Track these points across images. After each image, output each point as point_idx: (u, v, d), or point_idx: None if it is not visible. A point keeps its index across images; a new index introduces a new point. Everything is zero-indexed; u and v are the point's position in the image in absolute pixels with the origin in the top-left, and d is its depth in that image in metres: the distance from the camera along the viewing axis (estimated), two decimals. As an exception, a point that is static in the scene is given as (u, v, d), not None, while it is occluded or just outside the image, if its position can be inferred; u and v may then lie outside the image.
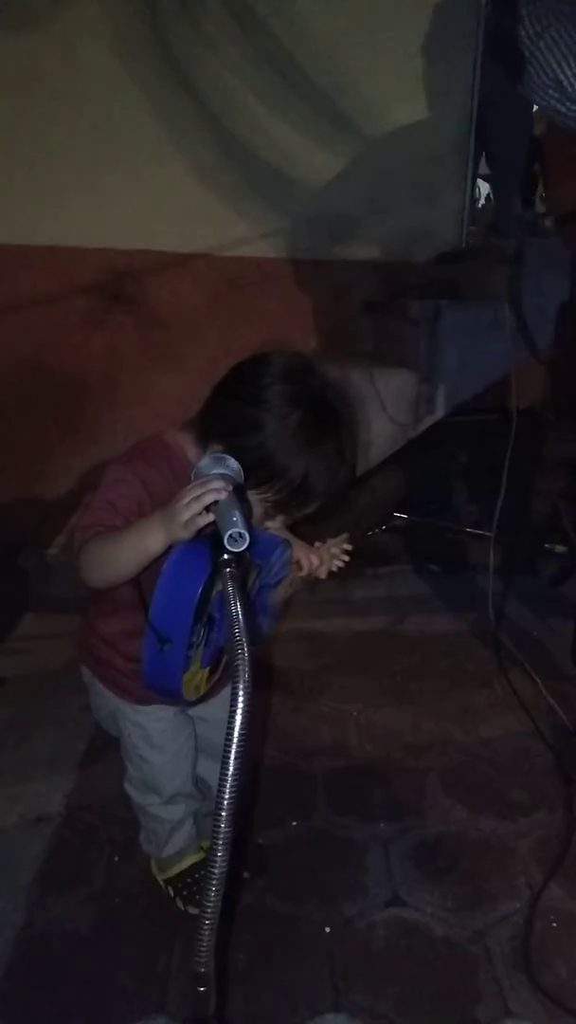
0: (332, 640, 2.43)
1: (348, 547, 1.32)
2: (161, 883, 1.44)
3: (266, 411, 1.02)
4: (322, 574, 1.30)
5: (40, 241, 2.73)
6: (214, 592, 1.00)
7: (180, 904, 1.40)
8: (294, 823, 1.63)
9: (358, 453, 1.15)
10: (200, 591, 0.96)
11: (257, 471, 1.03)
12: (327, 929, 1.38)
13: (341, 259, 2.97)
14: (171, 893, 1.42)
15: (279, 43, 2.74)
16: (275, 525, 1.15)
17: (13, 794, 1.69)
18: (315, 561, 1.26)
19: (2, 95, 2.62)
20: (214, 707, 1.31)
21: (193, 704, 1.27)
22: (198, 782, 1.43)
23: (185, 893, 1.40)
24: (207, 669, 1.11)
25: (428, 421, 2.50)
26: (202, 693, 1.13)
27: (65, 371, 2.83)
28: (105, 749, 1.75)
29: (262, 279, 2.86)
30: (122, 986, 1.25)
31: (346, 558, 1.31)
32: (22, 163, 2.68)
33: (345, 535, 1.33)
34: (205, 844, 1.48)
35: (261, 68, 2.75)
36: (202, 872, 1.37)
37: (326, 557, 1.29)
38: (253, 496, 1.06)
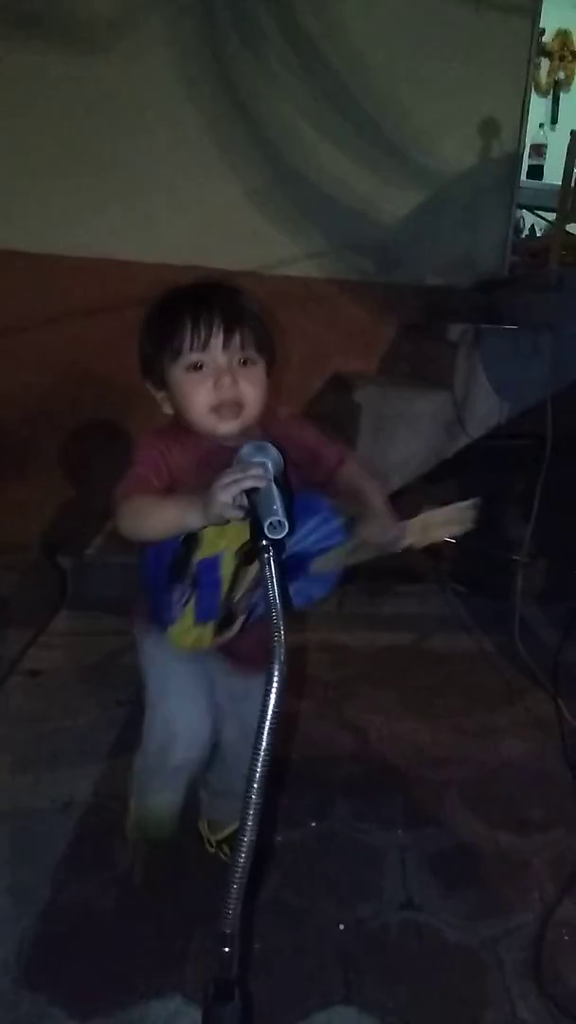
0: (358, 653, 2.47)
1: (469, 514, 1.20)
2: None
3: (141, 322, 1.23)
4: (418, 543, 1.21)
5: (95, 254, 2.83)
6: (195, 558, 1.09)
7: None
8: (313, 823, 1.67)
9: (246, 304, 1.20)
10: (171, 557, 1.08)
11: (147, 354, 1.21)
12: (341, 926, 1.41)
13: (384, 282, 3.03)
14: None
15: (336, 75, 2.84)
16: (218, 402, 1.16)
17: (44, 779, 1.76)
18: (375, 537, 1.17)
19: (69, 114, 2.75)
20: (240, 689, 1.32)
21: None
22: (218, 755, 1.44)
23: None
24: (209, 625, 1.16)
25: (462, 443, 2.54)
26: (206, 646, 1.19)
27: (112, 380, 2.91)
28: (133, 741, 1.80)
29: (306, 298, 2.94)
30: (141, 964, 1.29)
31: (468, 525, 1.21)
32: (83, 179, 2.80)
33: (470, 501, 1.19)
34: (216, 837, 1.53)
35: (317, 98, 2.85)
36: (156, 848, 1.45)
37: (418, 526, 1.20)
38: (174, 371, 1.17)
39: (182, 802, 1.45)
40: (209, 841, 1.54)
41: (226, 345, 1.15)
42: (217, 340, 1.15)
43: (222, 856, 1.50)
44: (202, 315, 1.14)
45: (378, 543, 1.19)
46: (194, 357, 1.15)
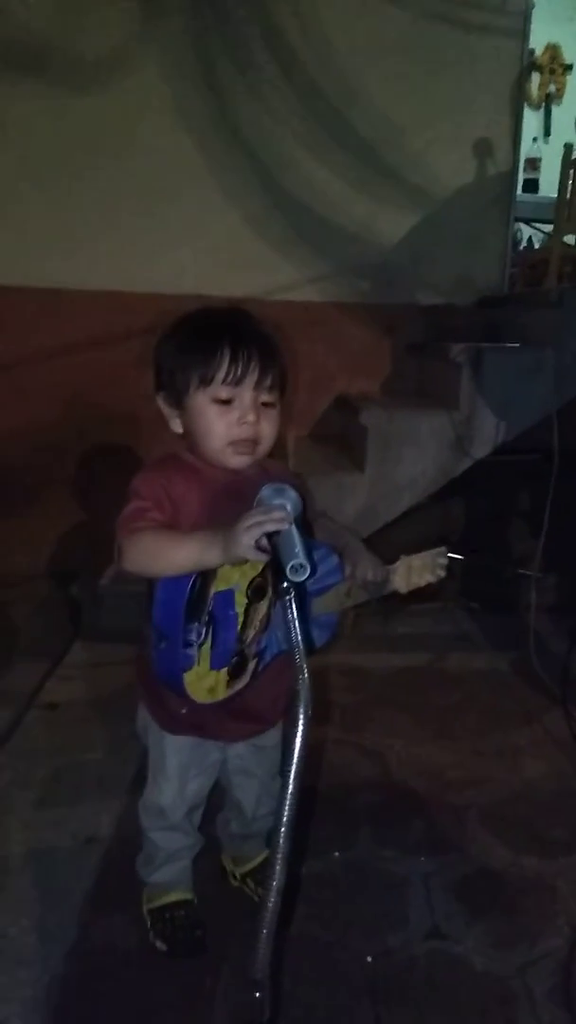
0: (373, 675, 2.47)
1: (443, 561, 1.25)
2: (145, 913, 1.44)
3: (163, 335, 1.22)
4: (401, 588, 1.25)
5: (100, 286, 2.87)
6: (211, 592, 1.06)
7: (152, 937, 1.40)
8: (336, 854, 1.67)
9: (263, 333, 1.20)
10: (188, 590, 1.03)
11: (168, 376, 1.18)
12: (369, 958, 1.40)
13: (384, 303, 3.06)
14: (148, 923, 1.42)
15: (330, 101, 2.89)
16: (242, 432, 1.16)
17: (65, 815, 1.76)
18: (368, 574, 1.22)
19: (70, 151, 2.80)
20: (249, 754, 1.37)
21: (224, 736, 1.31)
22: (234, 806, 1.47)
23: (160, 926, 1.40)
24: (223, 672, 1.13)
25: (469, 461, 2.55)
26: (220, 697, 1.13)
27: (119, 408, 2.95)
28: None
29: (308, 322, 2.96)
30: (168, 1003, 1.29)
31: (441, 573, 1.25)
32: (86, 213, 2.84)
33: (441, 549, 1.25)
34: (241, 870, 1.53)
35: (310, 124, 2.89)
36: (181, 912, 1.40)
37: (402, 570, 1.24)
38: (199, 397, 1.15)
39: (190, 857, 1.46)
40: (233, 875, 1.54)
41: (258, 385, 1.16)
42: (252, 378, 1.15)
43: (247, 890, 1.50)
44: (241, 351, 1.14)
45: (371, 582, 1.21)
46: (225, 391, 1.15)
